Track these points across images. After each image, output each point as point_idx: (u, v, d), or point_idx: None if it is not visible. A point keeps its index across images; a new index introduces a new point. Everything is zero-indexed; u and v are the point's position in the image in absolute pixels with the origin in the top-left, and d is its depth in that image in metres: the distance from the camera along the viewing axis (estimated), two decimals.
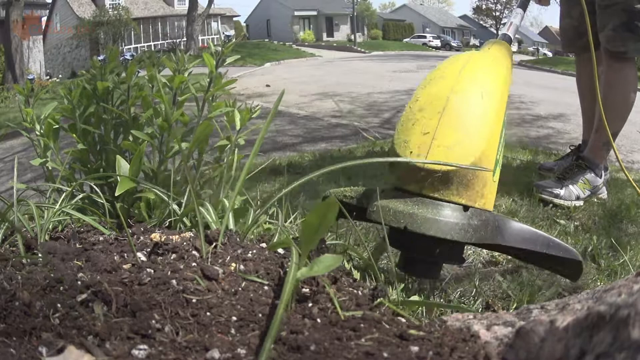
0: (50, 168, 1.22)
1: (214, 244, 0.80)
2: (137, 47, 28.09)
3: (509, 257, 1.56)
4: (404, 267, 0.90)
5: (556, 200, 2.03)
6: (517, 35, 1.86)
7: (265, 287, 0.70)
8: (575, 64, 2.55)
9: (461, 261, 0.91)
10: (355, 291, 0.72)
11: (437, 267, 0.89)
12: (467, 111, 0.83)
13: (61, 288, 0.63)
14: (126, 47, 27.15)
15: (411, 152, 0.78)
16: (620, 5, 2.00)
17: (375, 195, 0.78)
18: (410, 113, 0.85)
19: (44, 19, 21.88)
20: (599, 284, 1.39)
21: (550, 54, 39.59)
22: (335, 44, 35.18)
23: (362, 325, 0.60)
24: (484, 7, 49.93)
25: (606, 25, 2.05)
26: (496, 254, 1.59)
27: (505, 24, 1.61)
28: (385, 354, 0.53)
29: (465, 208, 0.81)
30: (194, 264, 0.73)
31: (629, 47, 2.03)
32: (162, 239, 0.81)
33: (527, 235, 0.97)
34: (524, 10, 1.77)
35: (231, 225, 0.95)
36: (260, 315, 0.62)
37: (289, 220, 1.31)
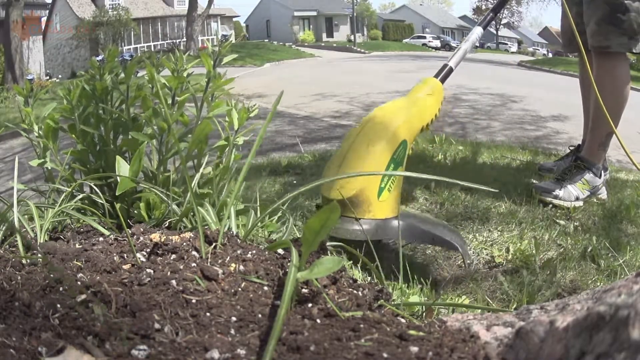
0: (49, 168, 1.22)
1: (214, 244, 0.80)
2: (136, 48, 28.10)
3: (509, 257, 1.56)
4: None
5: (555, 201, 2.03)
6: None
7: (265, 288, 0.70)
8: (578, 64, 2.55)
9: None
10: (355, 292, 0.72)
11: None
12: (354, 162, 1.24)
13: (61, 288, 0.63)
14: (126, 47, 27.17)
15: (324, 189, 1.27)
16: None
17: None
18: (330, 159, 1.32)
19: (44, 19, 21.88)
20: (598, 284, 1.39)
21: (549, 54, 39.63)
22: (335, 45, 35.19)
23: (362, 325, 0.60)
24: (483, 7, 49.95)
25: (590, 20, 2.04)
26: (496, 254, 1.59)
27: (455, 51, 1.68)
28: (385, 355, 0.53)
29: (356, 219, 1.21)
30: (193, 264, 0.73)
31: (612, 41, 2.00)
32: (162, 240, 0.81)
33: (412, 231, 1.28)
34: (484, 29, 1.82)
35: (232, 226, 0.95)
36: (260, 315, 0.62)
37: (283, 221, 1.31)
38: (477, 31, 1.78)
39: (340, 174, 1.22)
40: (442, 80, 1.60)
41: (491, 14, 1.89)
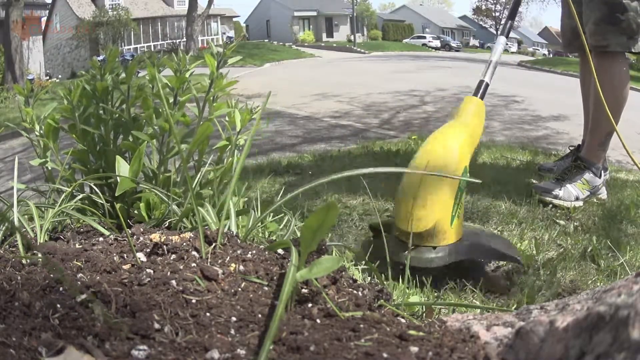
0: (49, 168, 1.22)
1: (214, 244, 0.80)
2: (136, 48, 28.09)
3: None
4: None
5: (555, 201, 2.03)
6: (516, 36, 1.88)
7: (265, 288, 0.70)
8: (579, 64, 2.55)
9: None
10: (355, 292, 0.72)
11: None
12: (429, 195, 1.31)
13: (61, 288, 0.63)
14: (126, 47, 27.16)
15: (400, 222, 1.33)
16: None
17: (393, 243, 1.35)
18: (401, 192, 1.36)
19: (44, 19, 21.88)
20: (598, 284, 1.39)
21: (549, 54, 39.61)
22: (335, 45, 35.18)
23: (361, 325, 0.60)
24: (483, 7, 49.97)
25: (589, 19, 2.04)
26: None
27: (486, 65, 1.68)
28: (385, 355, 0.53)
29: (434, 247, 1.32)
30: (193, 264, 0.73)
31: (610, 40, 2.00)
32: (162, 240, 0.81)
33: (479, 250, 1.40)
34: (507, 37, 1.82)
35: (232, 227, 0.95)
36: (259, 315, 0.62)
37: (286, 222, 1.31)
38: (502, 41, 1.80)
39: (416, 207, 1.30)
40: (482, 97, 1.64)
41: (510, 21, 1.90)
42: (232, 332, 0.58)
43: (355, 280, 0.78)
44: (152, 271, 0.70)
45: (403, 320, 0.66)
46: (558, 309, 0.61)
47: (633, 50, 2.03)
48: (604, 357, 0.43)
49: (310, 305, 0.66)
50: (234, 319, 0.61)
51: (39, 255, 0.76)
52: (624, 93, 2.08)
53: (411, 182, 1.35)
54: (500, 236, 1.59)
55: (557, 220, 1.88)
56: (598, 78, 2.00)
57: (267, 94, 0.95)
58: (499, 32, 1.89)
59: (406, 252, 1.25)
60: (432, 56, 24.63)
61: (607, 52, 2.03)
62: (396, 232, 1.34)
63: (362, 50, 30.24)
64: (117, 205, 1.08)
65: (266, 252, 0.81)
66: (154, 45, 29.60)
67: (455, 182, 1.36)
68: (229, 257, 0.77)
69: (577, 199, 2.08)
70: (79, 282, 0.65)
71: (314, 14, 40.74)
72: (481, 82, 1.67)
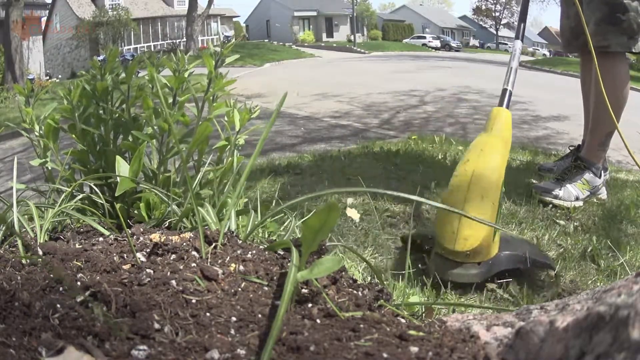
0: (49, 168, 1.22)
1: (214, 244, 0.80)
2: (136, 48, 28.08)
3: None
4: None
5: (555, 201, 2.03)
6: None
7: (265, 288, 0.70)
8: (579, 65, 2.55)
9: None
10: (355, 292, 0.72)
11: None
12: (475, 214, 1.31)
13: (61, 288, 0.63)
14: (126, 47, 27.15)
15: (446, 241, 1.34)
16: None
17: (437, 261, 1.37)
18: (445, 211, 1.36)
19: (44, 19, 21.87)
20: (598, 284, 1.39)
21: (550, 55, 39.60)
22: (335, 45, 35.18)
23: (361, 325, 0.60)
24: (483, 7, 49.97)
25: (590, 20, 2.04)
26: None
27: (507, 72, 1.69)
28: (385, 355, 0.53)
29: (479, 263, 1.34)
30: (193, 264, 0.73)
31: (611, 40, 2.00)
32: (162, 240, 0.81)
33: (515, 259, 1.40)
34: (522, 40, 1.83)
35: (232, 227, 0.95)
36: (259, 315, 0.62)
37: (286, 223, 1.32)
38: (518, 45, 1.83)
39: (463, 226, 1.31)
40: (507, 106, 1.68)
41: (522, 24, 1.92)
42: (232, 332, 0.58)
43: (355, 281, 0.78)
44: (152, 271, 0.70)
45: (403, 321, 0.66)
46: (558, 309, 0.61)
47: (634, 51, 2.03)
48: (604, 357, 0.43)
49: (310, 305, 0.66)
50: (234, 319, 0.61)
51: (39, 255, 0.76)
52: (624, 93, 2.08)
53: (455, 201, 1.36)
54: (528, 241, 1.61)
55: (557, 220, 1.88)
56: (598, 77, 2.00)
57: (283, 95, 0.95)
58: (514, 37, 1.89)
59: (452, 269, 1.33)
60: (432, 56, 24.64)
61: (608, 53, 2.03)
62: (440, 250, 1.35)
63: (362, 50, 30.24)
64: (117, 205, 1.08)
65: (266, 252, 0.81)
66: (154, 45, 29.59)
67: (496, 198, 1.38)
68: (229, 257, 0.77)
69: (577, 199, 2.08)
70: (79, 282, 0.65)
71: (314, 14, 40.74)
72: (505, 90, 1.71)
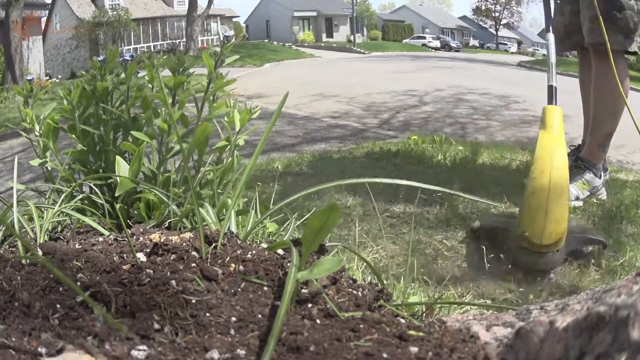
0: (49, 168, 1.22)
1: (214, 244, 0.80)
2: (136, 48, 28.07)
3: (509, 256, 1.58)
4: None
5: None
6: (516, 37, 1.89)
7: (265, 288, 0.70)
8: (578, 66, 2.55)
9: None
10: (355, 292, 0.72)
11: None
12: (558, 209, 1.51)
13: (61, 288, 0.63)
14: (126, 47, 27.11)
15: (534, 237, 1.50)
16: None
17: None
18: (530, 208, 1.54)
19: (44, 19, 21.86)
20: (598, 284, 1.39)
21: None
22: (334, 45, 35.17)
23: (361, 326, 0.60)
24: (483, 7, 49.95)
25: (585, 17, 2.03)
26: None
27: (547, 70, 1.73)
28: (384, 355, 0.53)
29: (557, 250, 1.51)
30: (193, 264, 0.73)
31: (608, 38, 2.00)
32: (162, 240, 0.81)
33: (578, 240, 1.59)
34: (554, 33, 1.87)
35: (232, 227, 0.95)
36: (259, 316, 0.62)
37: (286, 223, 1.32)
38: (552, 38, 1.88)
39: (548, 222, 1.49)
40: (555, 102, 1.79)
41: (550, 17, 1.97)
42: (232, 332, 0.58)
43: (355, 281, 0.78)
44: (152, 271, 0.70)
45: (403, 321, 0.66)
46: (558, 309, 0.61)
47: (629, 50, 2.02)
48: (603, 357, 0.43)
49: (310, 305, 0.66)
50: (234, 319, 0.61)
51: (40, 254, 0.76)
52: (624, 91, 2.07)
53: (539, 200, 1.53)
54: (577, 220, 1.81)
55: None
56: (597, 78, 2.00)
57: (284, 95, 0.95)
58: (545, 30, 1.92)
59: (540, 259, 1.50)
60: (431, 56, 24.64)
61: (605, 50, 2.02)
62: (526, 244, 1.51)
63: (362, 51, 30.24)
64: (117, 206, 1.08)
65: (266, 253, 0.81)
66: (153, 45, 29.57)
67: (567, 193, 1.56)
68: (229, 257, 0.77)
69: (577, 199, 2.08)
70: (79, 282, 0.65)
71: (314, 14, 40.72)
72: (551, 87, 1.78)
